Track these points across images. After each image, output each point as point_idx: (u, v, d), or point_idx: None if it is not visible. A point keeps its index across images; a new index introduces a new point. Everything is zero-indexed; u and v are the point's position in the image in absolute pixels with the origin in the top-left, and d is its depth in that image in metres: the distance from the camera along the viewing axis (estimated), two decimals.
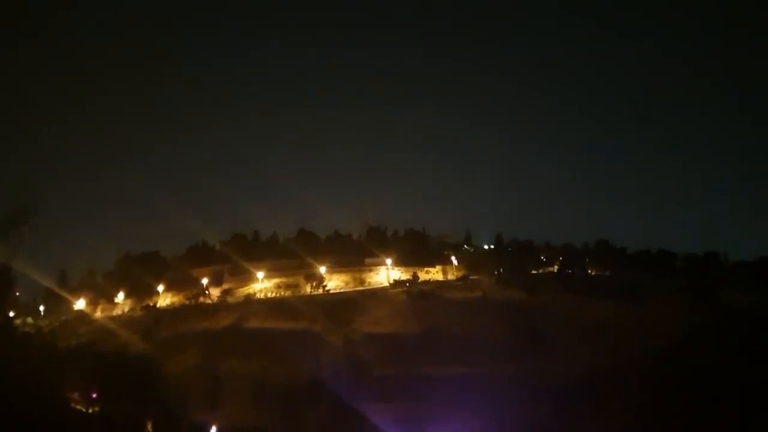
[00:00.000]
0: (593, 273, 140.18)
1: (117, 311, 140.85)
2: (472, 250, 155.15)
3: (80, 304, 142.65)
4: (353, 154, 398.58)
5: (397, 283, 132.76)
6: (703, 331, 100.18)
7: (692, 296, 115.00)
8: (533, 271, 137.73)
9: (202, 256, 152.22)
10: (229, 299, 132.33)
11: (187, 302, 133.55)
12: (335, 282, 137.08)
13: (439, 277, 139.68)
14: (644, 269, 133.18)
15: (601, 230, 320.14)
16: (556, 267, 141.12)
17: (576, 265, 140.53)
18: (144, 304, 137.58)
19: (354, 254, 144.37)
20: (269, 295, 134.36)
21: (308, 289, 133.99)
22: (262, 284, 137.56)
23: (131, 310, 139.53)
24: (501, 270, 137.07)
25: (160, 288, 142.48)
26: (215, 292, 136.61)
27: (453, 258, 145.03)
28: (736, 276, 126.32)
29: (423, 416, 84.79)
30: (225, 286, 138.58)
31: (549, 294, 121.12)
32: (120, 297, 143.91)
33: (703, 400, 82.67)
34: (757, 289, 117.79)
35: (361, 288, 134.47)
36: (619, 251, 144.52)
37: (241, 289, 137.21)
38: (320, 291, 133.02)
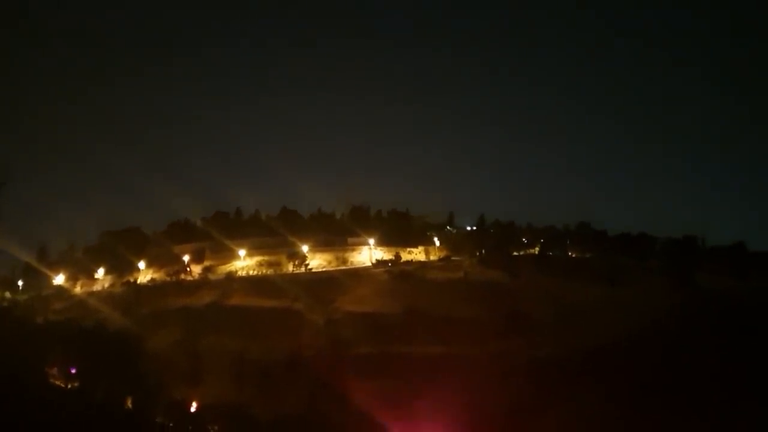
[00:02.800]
0: (574, 255, 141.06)
1: (97, 287, 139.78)
2: (455, 231, 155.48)
3: (60, 279, 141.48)
4: (338, 134, 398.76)
5: (380, 263, 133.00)
6: (681, 312, 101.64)
7: (671, 279, 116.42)
8: (514, 253, 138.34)
9: (183, 232, 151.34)
10: (211, 276, 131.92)
11: (168, 279, 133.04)
12: (318, 261, 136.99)
13: (422, 257, 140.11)
14: (624, 252, 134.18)
15: (583, 213, 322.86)
16: (537, 249, 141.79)
17: (557, 247, 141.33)
18: (124, 280, 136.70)
19: (337, 233, 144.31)
20: (251, 272, 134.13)
21: (290, 268, 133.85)
22: (244, 262, 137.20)
23: (111, 285, 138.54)
24: (483, 251, 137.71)
25: (141, 264, 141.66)
26: (196, 269, 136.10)
27: (435, 239, 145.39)
28: (713, 260, 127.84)
29: (403, 394, 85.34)
30: (206, 263, 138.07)
31: (530, 275, 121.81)
32: (100, 273, 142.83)
33: (680, 379, 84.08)
34: (732, 273, 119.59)
35: (343, 267, 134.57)
36: (600, 234, 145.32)
37: (222, 267, 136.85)
38: (302, 269, 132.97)
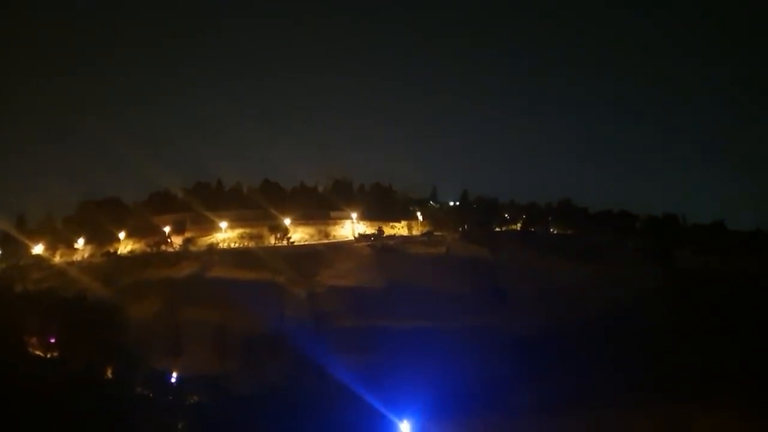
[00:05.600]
0: (555, 232, 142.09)
1: (77, 257, 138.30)
2: (438, 206, 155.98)
3: (38, 248, 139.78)
4: (320, 107, 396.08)
5: (362, 237, 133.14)
6: (661, 290, 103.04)
7: (650, 256, 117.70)
8: (497, 229, 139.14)
9: (164, 203, 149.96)
10: (192, 248, 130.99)
11: (149, 250, 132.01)
12: (300, 234, 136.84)
13: (404, 232, 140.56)
14: (605, 229, 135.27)
15: (565, 190, 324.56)
16: (519, 225, 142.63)
17: (539, 224, 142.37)
18: (105, 251, 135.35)
19: (319, 207, 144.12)
20: (232, 245, 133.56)
21: (272, 241, 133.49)
22: (225, 234, 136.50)
23: (91, 256, 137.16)
24: (465, 227, 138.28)
25: (121, 234, 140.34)
26: (177, 241, 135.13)
27: (418, 213, 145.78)
28: (694, 238, 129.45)
29: (384, 368, 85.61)
30: (187, 234, 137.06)
31: (511, 251, 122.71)
32: (80, 243, 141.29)
33: (660, 355, 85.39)
34: (711, 252, 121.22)
35: (326, 241, 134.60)
36: (581, 211, 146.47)
37: (203, 239, 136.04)
38: (285, 243, 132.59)
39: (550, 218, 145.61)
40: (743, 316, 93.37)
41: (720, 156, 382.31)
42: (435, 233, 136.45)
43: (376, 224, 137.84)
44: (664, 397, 76.31)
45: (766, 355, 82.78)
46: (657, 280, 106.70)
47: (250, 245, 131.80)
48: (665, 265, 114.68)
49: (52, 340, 74.10)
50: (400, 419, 70.55)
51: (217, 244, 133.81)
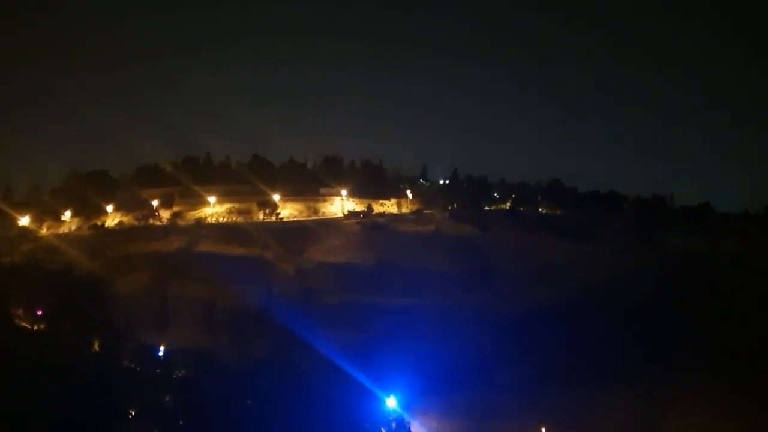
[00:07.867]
0: (544, 211, 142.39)
1: (64, 229, 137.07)
2: (428, 184, 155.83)
3: (25, 220, 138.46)
4: (312, 84, 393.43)
5: (352, 214, 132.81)
6: (647, 269, 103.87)
7: (638, 236, 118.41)
8: (486, 208, 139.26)
9: (152, 177, 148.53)
10: (180, 222, 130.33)
11: (137, 223, 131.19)
12: (289, 210, 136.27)
13: (394, 210, 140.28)
14: (594, 209, 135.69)
15: (555, 169, 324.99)
16: (508, 204, 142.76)
17: (528, 204, 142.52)
18: (92, 223, 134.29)
19: (309, 183, 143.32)
20: (221, 220, 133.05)
21: (261, 216, 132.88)
22: (214, 209, 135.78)
23: (78, 228, 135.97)
24: (455, 205, 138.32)
25: (109, 208, 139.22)
26: (165, 215, 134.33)
27: (408, 192, 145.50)
28: (681, 219, 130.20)
29: (372, 344, 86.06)
30: (175, 208, 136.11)
31: (500, 230, 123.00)
32: (67, 215, 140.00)
33: (645, 334, 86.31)
34: (697, 233, 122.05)
35: (315, 217, 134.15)
36: (570, 191, 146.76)
37: (191, 213, 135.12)
38: (273, 218, 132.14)
39: (539, 198, 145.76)
40: (729, 297, 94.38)
41: (708, 138, 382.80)
42: (424, 211, 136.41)
43: (366, 201, 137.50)
44: (650, 376, 77.22)
45: (750, 336, 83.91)
46: (644, 261, 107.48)
47: (238, 220, 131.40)
48: (652, 246, 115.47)
49: (39, 313, 73.70)
50: (387, 394, 71.00)
51: (206, 218, 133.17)
